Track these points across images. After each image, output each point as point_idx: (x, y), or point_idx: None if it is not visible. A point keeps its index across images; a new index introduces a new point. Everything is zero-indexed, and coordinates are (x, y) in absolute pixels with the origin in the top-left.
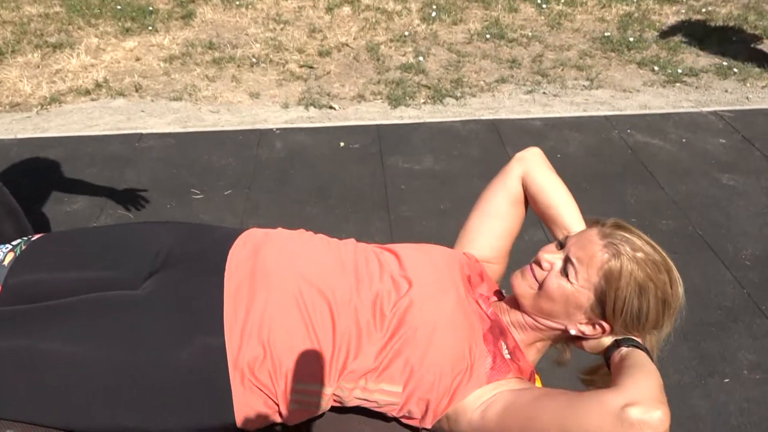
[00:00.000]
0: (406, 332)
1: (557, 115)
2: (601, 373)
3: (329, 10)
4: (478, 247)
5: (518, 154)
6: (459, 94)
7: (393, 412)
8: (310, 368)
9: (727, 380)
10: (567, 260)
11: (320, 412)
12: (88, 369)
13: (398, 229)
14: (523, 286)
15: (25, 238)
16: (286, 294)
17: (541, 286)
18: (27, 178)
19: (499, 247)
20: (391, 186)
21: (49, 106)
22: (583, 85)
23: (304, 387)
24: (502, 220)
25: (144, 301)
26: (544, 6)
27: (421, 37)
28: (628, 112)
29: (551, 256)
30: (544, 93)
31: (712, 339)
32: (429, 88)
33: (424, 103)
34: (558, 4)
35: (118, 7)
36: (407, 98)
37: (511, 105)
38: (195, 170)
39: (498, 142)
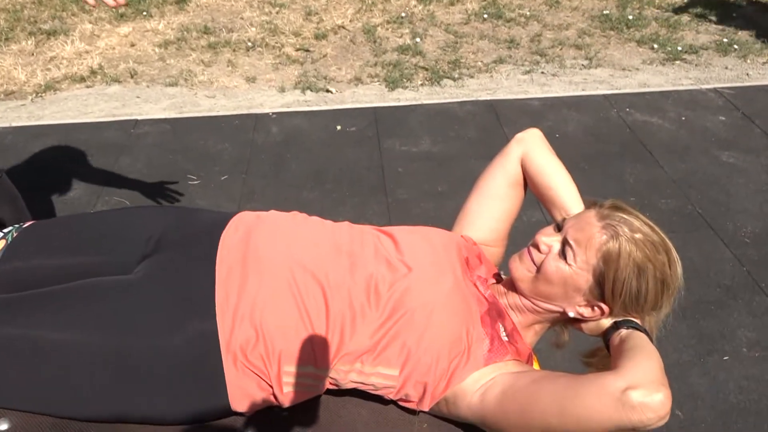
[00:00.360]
0: (404, 315)
1: (555, 94)
2: (601, 355)
3: None
4: (477, 229)
5: (518, 135)
6: (457, 76)
7: (390, 395)
8: (303, 351)
9: (726, 358)
10: (565, 242)
11: (316, 395)
12: (81, 355)
13: (396, 212)
14: (521, 269)
15: (17, 226)
16: (278, 277)
17: (539, 269)
18: (22, 167)
19: (498, 229)
20: (389, 169)
21: (44, 94)
22: (582, 65)
23: (297, 369)
24: (501, 201)
25: (136, 286)
26: None
27: (418, 18)
28: (627, 90)
29: (549, 239)
30: (542, 73)
31: (711, 317)
32: (426, 69)
33: (422, 84)
34: None
35: None
36: (404, 80)
37: (509, 85)
38: (191, 156)
39: (496, 122)
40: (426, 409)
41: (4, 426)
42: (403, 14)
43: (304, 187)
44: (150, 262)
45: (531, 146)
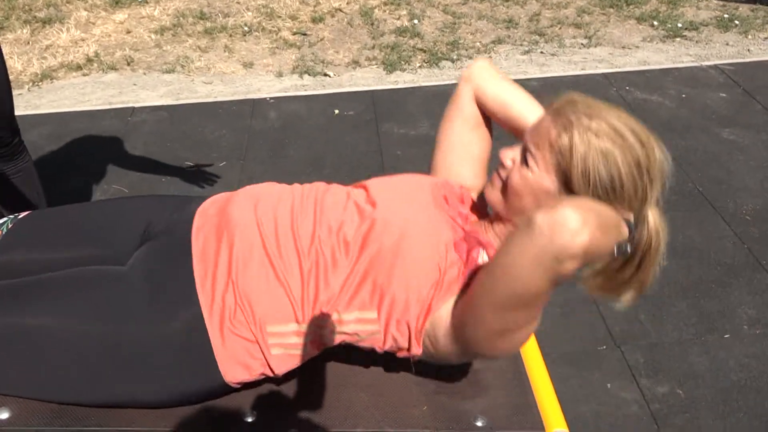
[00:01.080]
0: (370, 252)
1: (555, 74)
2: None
3: None
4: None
5: (464, 73)
6: (455, 57)
7: (379, 345)
8: (281, 307)
9: (726, 336)
10: (524, 150)
11: (307, 357)
12: (77, 342)
13: None
14: (493, 192)
15: (12, 217)
16: (248, 239)
17: (505, 185)
18: None
19: (474, 174)
20: (387, 153)
21: (40, 83)
22: (581, 44)
23: (280, 329)
24: (468, 147)
25: (127, 276)
26: None
27: None
28: (627, 69)
29: (511, 152)
30: (541, 53)
31: (711, 296)
32: (425, 51)
33: (420, 67)
34: None
35: None
36: (403, 63)
37: (508, 66)
38: (188, 143)
39: None
40: (419, 352)
41: (5, 415)
42: None
43: (303, 173)
44: (140, 251)
45: (480, 81)
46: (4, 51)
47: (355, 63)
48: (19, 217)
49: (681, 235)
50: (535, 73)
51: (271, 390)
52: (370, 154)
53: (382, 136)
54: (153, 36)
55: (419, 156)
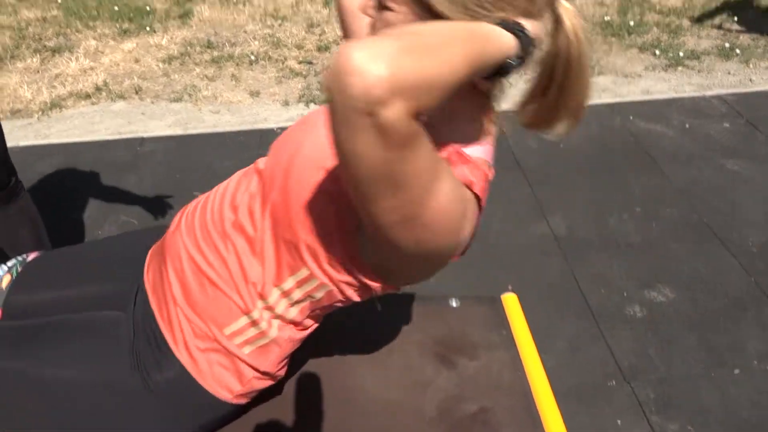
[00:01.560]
0: (268, 212)
1: None
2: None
3: (326, 3)
4: None
5: None
6: None
7: (341, 297)
8: (225, 308)
9: (737, 371)
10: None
11: (285, 344)
12: (75, 391)
13: None
14: None
15: (20, 259)
16: (177, 256)
17: None
18: (29, 187)
19: None
20: None
21: (50, 112)
22: None
23: (235, 327)
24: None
25: (119, 322)
26: None
27: None
28: (630, 98)
29: (362, 2)
30: None
31: (720, 329)
32: None
33: None
34: None
35: (116, 8)
36: None
37: (512, 94)
38: (197, 173)
39: (500, 135)
40: (375, 283)
41: None
42: None
43: None
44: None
45: None
46: (15, 80)
47: None
48: (28, 260)
49: (686, 267)
50: None
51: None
52: None
53: None
54: (161, 65)
55: None
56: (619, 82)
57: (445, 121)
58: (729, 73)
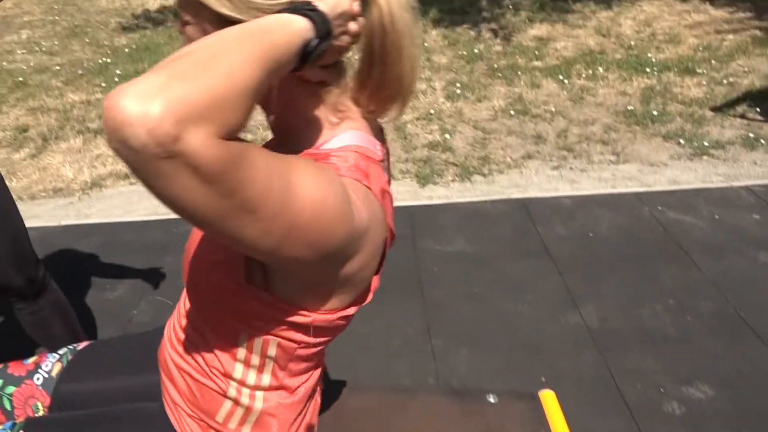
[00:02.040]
0: (189, 299)
1: (586, 192)
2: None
3: None
4: None
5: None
6: (486, 171)
7: (299, 336)
8: (210, 397)
9: None
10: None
11: (275, 411)
12: None
13: (432, 313)
14: None
15: (71, 347)
16: (162, 357)
17: None
18: (69, 266)
19: None
20: (424, 269)
21: (90, 191)
22: (610, 160)
23: (225, 412)
24: None
25: (155, 415)
26: (566, 81)
27: (447, 114)
28: (658, 188)
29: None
30: (570, 169)
31: (762, 429)
32: (456, 165)
33: (452, 181)
34: (580, 79)
35: None
36: (435, 176)
37: (539, 182)
38: None
39: (528, 221)
40: (309, 312)
41: None
42: (432, 111)
43: None
44: None
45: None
46: (58, 160)
47: (390, 176)
48: (78, 348)
49: (724, 363)
50: (566, 190)
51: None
52: (407, 269)
53: (419, 252)
54: None
55: (456, 273)
56: (644, 170)
57: (292, 124)
58: (755, 163)
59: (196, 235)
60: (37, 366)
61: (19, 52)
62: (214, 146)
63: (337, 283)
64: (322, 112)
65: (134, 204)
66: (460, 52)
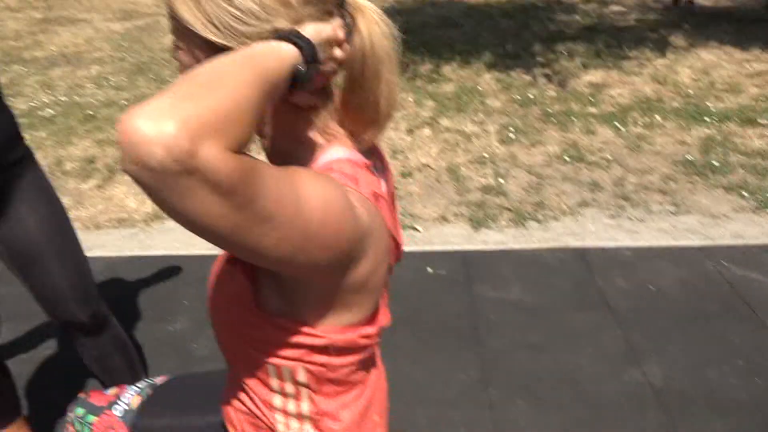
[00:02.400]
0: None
1: (646, 243)
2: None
3: (410, 131)
4: None
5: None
6: (541, 217)
7: (324, 359)
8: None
9: None
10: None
11: None
12: None
13: (489, 362)
14: None
15: (150, 381)
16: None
17: None
18: (131, 296)
19: None
20: (480, 317)
21: (152, 222)
22: (669, 211)
23: None
24: None
25: None
26: (622, 128)
27: (500, 158)
28: (722, 242)
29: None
30: (629, 218)
31: None
32: (510, 210)
33: (507, 226)
34: (636, 127)
35: None
36: (489, 220)
37: (596, 230)
38: None
39: (587, 272)
40: (313, 328)
41: None
42: (485, 154)
43: (396, 331)
44: None
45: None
46: (122, 191)
47: (443, 218)
48: (157, 383)
49: None
50: (624, 240)
51: None
52: (463, 315)
53: (474, 298)
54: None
55: (513, 321)
56: (706, 223)
57: (285, 147)
58: None
59: (212, 276)
60: (118, 397)
61: (89, 86)
62: (228, 159)
63: (348, 292)
64: (312, 135)
65: (194, 237)
66: (513, 96)
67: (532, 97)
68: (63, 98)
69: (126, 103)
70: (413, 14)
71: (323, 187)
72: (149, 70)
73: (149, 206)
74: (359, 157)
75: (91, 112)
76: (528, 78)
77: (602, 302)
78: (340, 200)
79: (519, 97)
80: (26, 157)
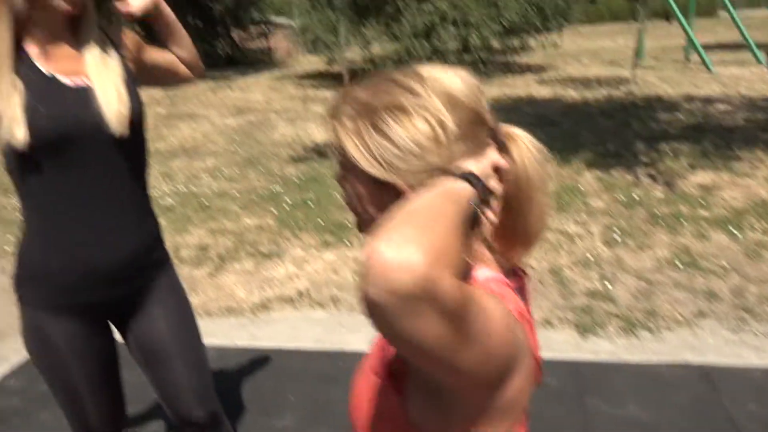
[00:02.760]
0: None
1: None
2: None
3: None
4: None
5: None
6: (654, 327)
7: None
8: None
9: None
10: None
11: None
12: None
13: None
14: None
15: None
16: None
17: (359, 216)
18: (237, 388)
19: None
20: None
21: (258, 313)
22: None
23: None
24: None
25: None
26: (737, 234)
27: (605, 261)
28: None
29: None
30: (754, 334)
31: None
32: (619, 317)
33: (617, 334)
34: (754, 232)
35: (320, 221)
36: (597, 327)
37: (716, 345)
38: None
39: (712, 391)
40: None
41: None
42: (589, 256)
43: None
44: None
45: None
46: (232, 280)
47: (547, 323)
48: None
49: None
50: (750, 357)
51: None
52: (576, 430)
53: (587, 412)
54: (356, 277)
55: None
56: None
57: None
58: None
59: (357, 389)
60: None
61: (204, 177)
62: (457, 286)
63: (498, 409)
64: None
65: (299, 330)
66: (617, 197)
67: (637, 197)
68: (181, 188)
69: (237, 194)
70: (510, 112)
71: (496, 303)
72: (258, 163)
73: (256, 296)
74: (503, 278)
75: (206, 202)
76: (631, 178)
77: (731, 428)
78: (507, 316)
79: (623, 198)
80: (165, 260)
